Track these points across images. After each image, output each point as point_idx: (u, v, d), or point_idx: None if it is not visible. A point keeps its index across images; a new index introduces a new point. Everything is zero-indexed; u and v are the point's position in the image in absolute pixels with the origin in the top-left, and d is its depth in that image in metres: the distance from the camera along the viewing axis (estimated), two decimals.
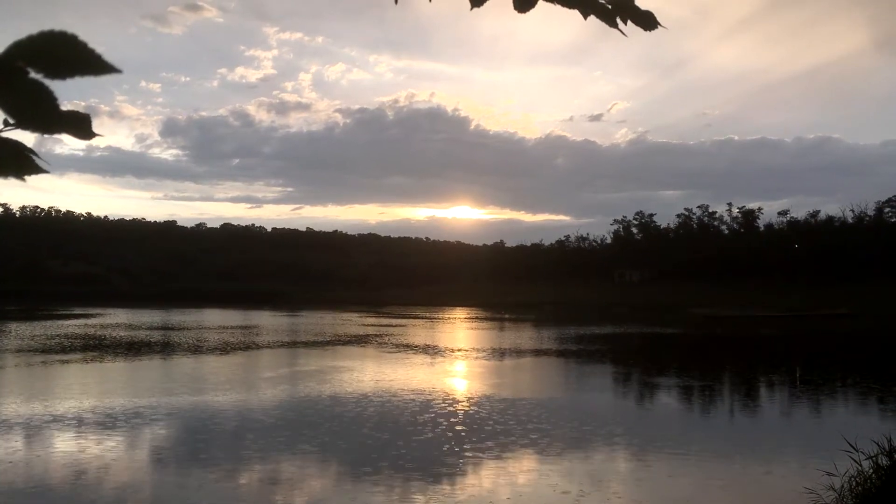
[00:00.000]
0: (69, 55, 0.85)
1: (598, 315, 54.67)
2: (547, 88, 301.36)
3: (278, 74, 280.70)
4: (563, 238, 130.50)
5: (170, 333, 33.10)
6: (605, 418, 13.17)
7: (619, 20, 1.15)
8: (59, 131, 0.92)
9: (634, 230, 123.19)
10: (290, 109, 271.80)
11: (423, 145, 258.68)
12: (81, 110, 0.91)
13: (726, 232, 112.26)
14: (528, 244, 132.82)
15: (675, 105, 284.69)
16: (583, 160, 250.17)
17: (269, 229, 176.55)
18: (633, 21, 1.16)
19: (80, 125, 0.95)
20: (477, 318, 52.75)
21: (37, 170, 0.97)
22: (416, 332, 36.48)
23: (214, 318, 46.43)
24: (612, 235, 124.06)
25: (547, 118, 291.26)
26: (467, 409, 13.79)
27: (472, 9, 1.16)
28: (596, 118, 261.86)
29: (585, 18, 1.14)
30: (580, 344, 29.73)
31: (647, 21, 1.18)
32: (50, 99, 0.88)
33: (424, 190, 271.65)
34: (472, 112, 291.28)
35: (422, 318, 51.65)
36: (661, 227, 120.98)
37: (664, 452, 10.55)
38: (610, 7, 1.12)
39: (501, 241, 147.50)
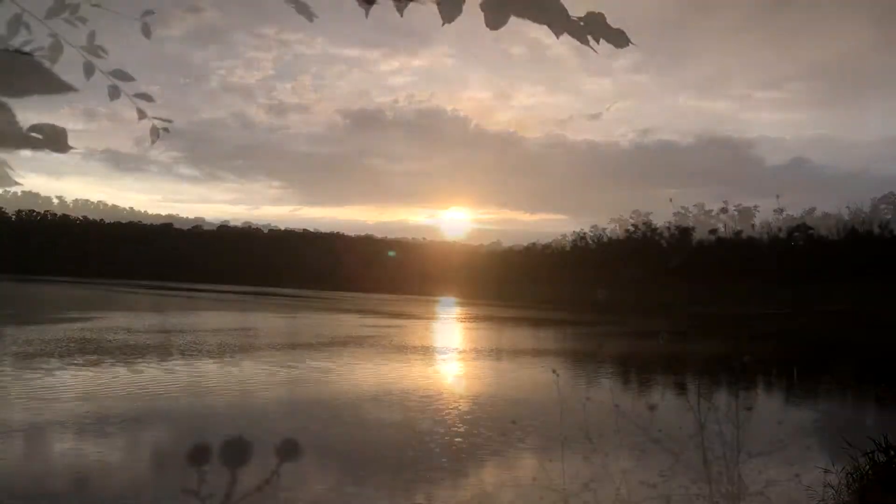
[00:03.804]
0: (22, 74, 0.83)
1: (595, 314, 54.69)
2: (546, 87, 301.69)
3: (277, 75, 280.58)
4: (560, 237, 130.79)
5: (167, 336, 33.00)
6: (600, 414, 13.14)
7: (590, 38, 1.13)
8: (20, 147, 0.88)
9: (632, 229, 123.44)
10: (288, 110, 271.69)
11: (421, 146, 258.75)
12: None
13: (723, 230, 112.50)
14: (526, 244, 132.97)
15: (674, 104, 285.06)
16: (581, 159, 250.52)
17: (266, 230, 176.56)
18: (605, 39, 1.14)
19: (55, 139, 0.93)
20: (474, 318, 52.73)
21: (9, 183, 0.93)
22: (415, 332, 36.45)
23: (212, 320, 46.34)
24: (609, 235, 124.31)
25: (546, 117, 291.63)
26: (465, 406, 13.77)
27: (443, 25, 1.14)
28: (595, 117, 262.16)
29: (558, 37, 1.12)
30: (576, 342, 29.73)
31: (619, 39, 1.16)
32: (6, 115, 0.85)
33: (423, 190, 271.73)
34: (471, 112, 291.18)
35: (420, 318, 51.62)
36: (659, 225, 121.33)
37: (658, 447, 10.53)
38: (582, 24, 1.10)
39: (498, 242, 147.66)
